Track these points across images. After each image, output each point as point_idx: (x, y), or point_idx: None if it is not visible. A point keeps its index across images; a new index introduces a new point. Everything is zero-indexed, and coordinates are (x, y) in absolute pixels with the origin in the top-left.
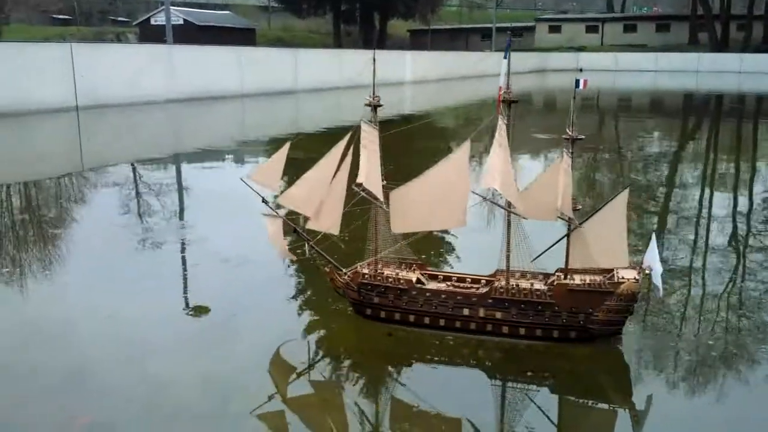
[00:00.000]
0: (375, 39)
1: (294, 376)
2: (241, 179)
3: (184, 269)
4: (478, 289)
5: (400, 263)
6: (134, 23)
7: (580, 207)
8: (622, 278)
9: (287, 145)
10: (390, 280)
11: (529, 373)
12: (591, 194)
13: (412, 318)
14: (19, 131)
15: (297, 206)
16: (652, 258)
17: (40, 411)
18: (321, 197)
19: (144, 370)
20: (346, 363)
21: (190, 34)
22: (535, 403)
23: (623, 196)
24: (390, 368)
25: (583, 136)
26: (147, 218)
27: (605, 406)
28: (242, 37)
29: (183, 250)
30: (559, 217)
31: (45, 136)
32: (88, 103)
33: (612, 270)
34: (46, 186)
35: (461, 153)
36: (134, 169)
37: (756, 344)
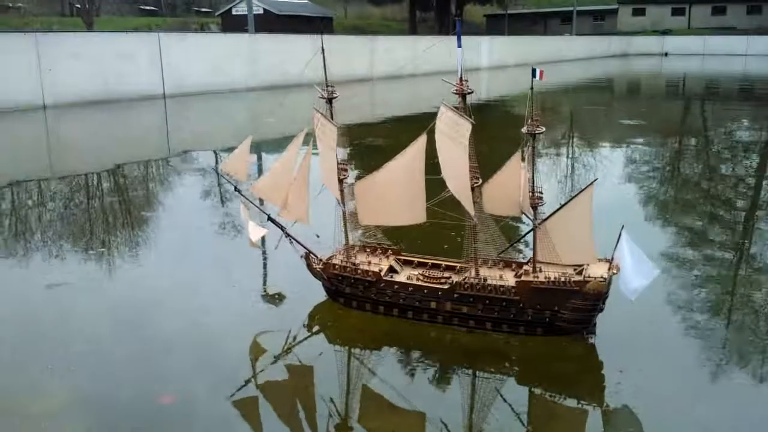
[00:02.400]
0: (450, 25)
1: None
2: (214, 169)
3: (264, 255)
4: (449, 277)
5: (375, 249)
6: (216, 13)
7: (545, 202)
8: (589, 276)
9: (249, 138)
10: (359, 271)
11: (505, 364)
12: (672, 183)
13: (381, 309)
14: (111, 118)
15: (266, 196)
16: (620, 256)
17: (126, 383)
18: (287, 188)
19: (214, 348)
20: (323, 348)
21: (269, 23)
22: (501, 395)
23: (588, 192)
24: (361, 352)
25: (543, 129)
26: (229, 203)
27: (574, 398)
28: (320, 25)
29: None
30: (523, 213)
31: (135, 122)
32: (175, 91)
33: (583, 265)
34: (134, 170)
35: (416, 148)
36: (216, 155)
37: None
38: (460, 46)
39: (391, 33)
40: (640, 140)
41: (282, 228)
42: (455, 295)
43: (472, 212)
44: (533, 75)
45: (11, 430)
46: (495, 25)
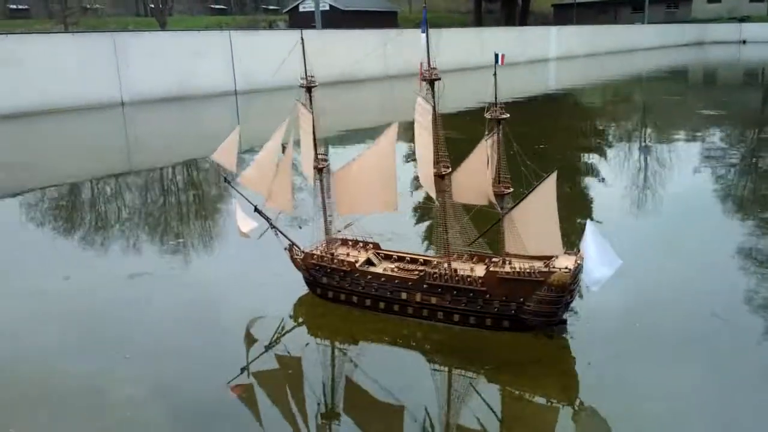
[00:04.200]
0: (517, 16)
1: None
2: (207, 159)
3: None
4: (423, 270)
5: (356, 243)
6: (284, 11)
7: (511, 190)
8: (554, 268)
9: (237, 128)
10: (335, 261)
11: (485, 366)
12: (752, 177)
13: (355, 299)
14: (185, 114)
15: (253, 186)
16: (585, 247)
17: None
18: (271, 178)
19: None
20: (307, 339)
21: (335, 18)
22: (477, 391)
23: (550, 181)
24: (341, 346)
25: (507, 115)
26: (298, 194)
27: (544, 392)
28: (384, 20)
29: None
30: (490, 202)
31: (208, 118)
32: (245, 88)
33: (552, 257)
34: (207, 165)
35: (387, 138)
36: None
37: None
38: (424, 32)
39: (456, 25)
40: (722, 131)
41: (268, 219)
42: (425, 286)
43: (434, 197)
44: (495, 60)
45: (96, 415)
46: (563, 15)
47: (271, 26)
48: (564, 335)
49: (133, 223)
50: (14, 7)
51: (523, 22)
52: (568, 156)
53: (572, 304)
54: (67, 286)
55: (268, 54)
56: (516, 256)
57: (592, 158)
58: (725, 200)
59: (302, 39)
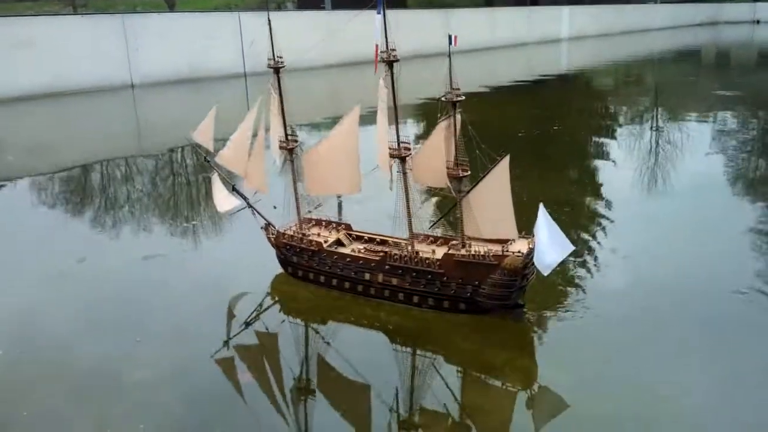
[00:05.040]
0: None
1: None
2: (187, 138)
3: None
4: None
5: (329, 223)
6: None
7: (468, 173)
8: (508, 251)
9: (214, 108)
10: (304, 241)
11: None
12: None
13: (322, 279)
14: (194, 96)
15: (230, 165)
16: (537, 231)
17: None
18: (246, 158)
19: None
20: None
21: None
22: (437, 371)
23: (504, 164)
24: (315, 325)
25: (462, 98)
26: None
27: (503, 375)
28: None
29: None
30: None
31: (217, 100)
32: (255, 69)
33: (508, 241)
34: (218, 147)
35: (350, 119)
36: (293, 130)
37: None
38: (380, 13)
39: (466, 5)
40: (736, 112)
41: (245, 199)
42: (386, 267)
43: (389, 179)
44: (449, 42)
45: (113, 395)
46: None
47: (280, 7)
48: (522, 319)
49: (144, 205)
50: None
51: (534, 1)
52: (582, 137)
53: (583, 285)
54: (83, 268)
55: (277, 35)
56: (476, 239)
57: (606, 140)
58: (737, 181)
59: (269, 21)
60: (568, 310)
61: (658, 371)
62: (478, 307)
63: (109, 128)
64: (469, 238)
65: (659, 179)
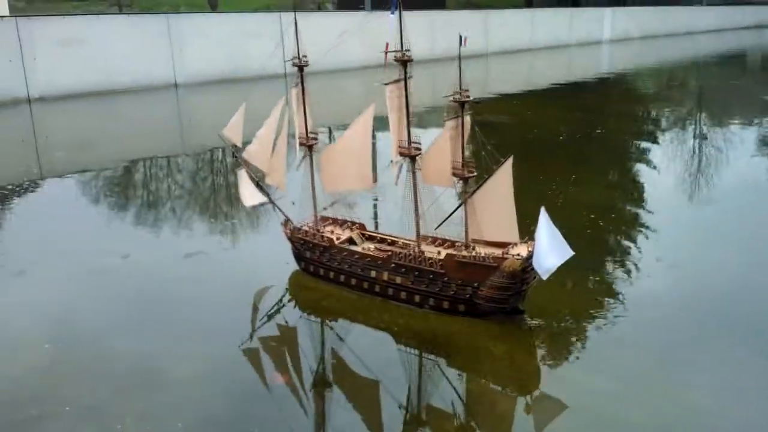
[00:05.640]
0: None
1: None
2: (219, 134)
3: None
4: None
5: (345, 222)
6: None
7: (474, 174)
8: (508, 254)
9: (243, 105)
10: (317, 237)
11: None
12: None
13: (332, 275)
14: (236, 96)
15: (254, 161)
16: (537, 236)
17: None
18: (269, 154)
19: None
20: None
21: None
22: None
23: (506, 167)
24: (330, 323)
25: (471, 98)
26: None
27: (506, 379)
28: (433, 1)
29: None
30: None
31: (259, 100)
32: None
33: (510, 244)
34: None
35: (364, 118)
36: (330, 132)
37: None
38: (393, 13)
39: (505, 6)
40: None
41: (268, 195)
42: (391, 265)
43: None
44: (460, 42)
45: (151, 391)
46: None
47: (320, 7)
48: (522, 325)
49: (186, 203)
50: None
51: (576, 2)
52: (625, 141)
53: (623, 292)
54: (126, 264)
55: (317, 36)
56: (481, 242)
57: (649, 144)
58: None
59: (296, 21)
60: (605, 318)
61: (698, 383)
62: (477, 310)
63: (153, 127)
64: (475, 241)
65: (703, 185)
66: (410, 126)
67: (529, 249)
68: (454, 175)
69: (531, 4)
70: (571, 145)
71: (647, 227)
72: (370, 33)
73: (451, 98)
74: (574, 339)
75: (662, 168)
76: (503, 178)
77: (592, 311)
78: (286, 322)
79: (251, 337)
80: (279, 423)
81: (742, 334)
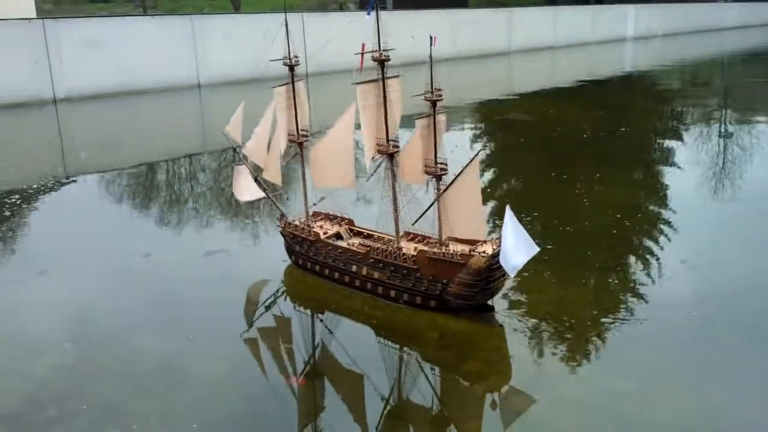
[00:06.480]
0: None
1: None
2: (223, 132)
3: None
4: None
5: (335, 218)
6: None
7: (446, 172)
8: (474, 252)
9: (242, 104)
10: (304, 232)
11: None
12: None
13: (317, 268)
14: (258, 97)
15: (252, 156)
16: (503, 234)
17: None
18: (265, 151)
19: None
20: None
21: None
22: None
23: (475, 163)
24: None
25: (443, 98)
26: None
27: (481, 374)
28: None
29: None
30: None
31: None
32: (315, 70)
33: (480, 241)
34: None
35: (347, 115)
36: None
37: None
38: (369, 14)
39: (528, 4)
40: None
41: (265, 190)
42: (370, 260)
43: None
44: (431, 43)
45: (169, 391)
46: None
47: (341, 8)
48: (493, 322)
49: (208, 201)
50: None
51: (599, 0)
52: (649, 140)
53: (645, 293)
54: (148, 263)
55: (337, 35)
56: (456, 239)
57: (673, 142)
58: None
59: (286, 21)
60: (626, 318)
61: (719, 386)
62: (447, 306)
63: (176, 127)
64: (450, 238)
65: (728, 185)
66: (388, 125)
67: (494, 247)
68: (427, 173)
69: (554, 2)
70: (595, 143)
71: (672, 227)
72: (394, 33)
73: (423, 97)
74: (594, 338)
75: (687, 167)
76: (471, 176)
77: (613, 311)
78: (282, 313)
79: (251, 325)
80: (286, 421)
81: (765, 338)
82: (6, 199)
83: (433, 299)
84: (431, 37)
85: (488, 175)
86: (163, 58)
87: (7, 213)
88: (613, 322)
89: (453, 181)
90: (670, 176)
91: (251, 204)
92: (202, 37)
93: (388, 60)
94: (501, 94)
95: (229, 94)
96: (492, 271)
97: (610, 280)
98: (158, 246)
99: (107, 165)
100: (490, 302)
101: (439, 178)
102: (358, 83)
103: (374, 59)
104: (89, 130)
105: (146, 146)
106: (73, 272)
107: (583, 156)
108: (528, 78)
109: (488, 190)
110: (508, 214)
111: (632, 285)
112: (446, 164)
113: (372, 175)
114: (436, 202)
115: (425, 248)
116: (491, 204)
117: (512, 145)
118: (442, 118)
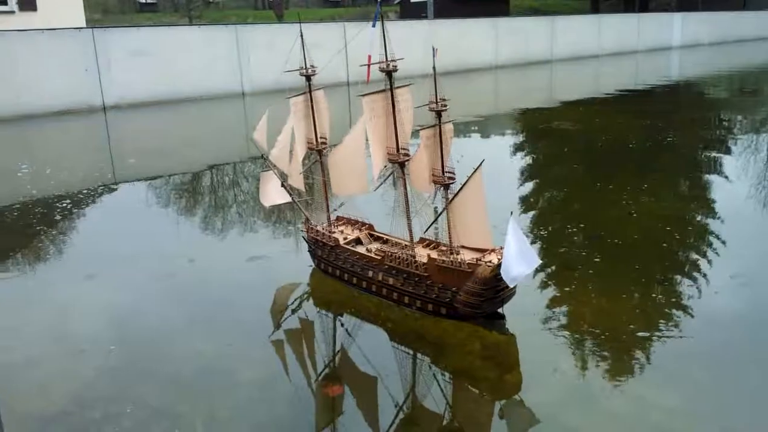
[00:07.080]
0: (637, 1)
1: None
2: (250, 138)
3: None
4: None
5: (356, 222)
6: (395, 2)
7: (454, 181)
8: (480, 261)
9: (267, 112)
10: (325, 237)
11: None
12: None
13: (337, 273)
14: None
15: (278, 163)
16: (506, 243)
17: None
18: (287, 157)
19: None
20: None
21: (445, 8)
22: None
23: (479, 173)
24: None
25: (448, 107)
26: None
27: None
28: (495, 8)
29: None
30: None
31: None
32: (357, 79)
33: (488, 250)
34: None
35: (360, 125)
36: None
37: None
38: (374, 26)
39: (570, 12)
40: None
41: (291, 195)
42: (385, 266)
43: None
44: (434, 54)
45: (224, 393)
46: (688, 0)
47: (381, 17)
48: (504, 331)
49: (252, 207)
50: (143, 1)
51: (643, 8)
52: (697, 150)
53: (692, 308)
54: (192, 268)
55: (379, 45)
56: (469, 247)
57: (721, 153)
58: None
59: (301, 32)
60: (672, 332)
61: (757, 407)
62: (457, 313)
63: (221, 134)
64: (462, 246)
65: None
66: (398, 133)
67: (499, 257)
68: (434, 182)
69: (597, 10)
70: (641, 153)
71: (721, 241)
72: (436, 42)
73: (428, 108)
74: (638, 352)
75: (736, 178)
76: (475, 185)
77: (659, 325)
78: (307, 315)
79: (278, 327)
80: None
81: None
82: (57, 204)
83: (444, 306)
84: (434, 49)
85: (530, 185)
86: (208, 67)
87: (58, 217)
88: (660, 338)
89: (457, 193)
90: (718, 188)
91: (293, 210)
92: (246, 47)
93: (395, 71)
94: (544, 103)
95: (271, 102)
96: (499, 281)
97: (655, 295)
98: (202, 251)
99: (154, 171)
100: (500, 310)
101: (447, 187)
102: (363, 95)
103: (381, 70)
104: (136, 137)
105: (192, 153)
106: (120, 276)
107: (629, 166)
108: (571, 86)
109: (531, 200)
110: (512, 223)
111: (680, 299)
112: (454, 173)
113: (380, 185)
114: (445, 211)
115: (435, 256)
116: (531, 213)
117: (556, 154)
118: (448, 127)
